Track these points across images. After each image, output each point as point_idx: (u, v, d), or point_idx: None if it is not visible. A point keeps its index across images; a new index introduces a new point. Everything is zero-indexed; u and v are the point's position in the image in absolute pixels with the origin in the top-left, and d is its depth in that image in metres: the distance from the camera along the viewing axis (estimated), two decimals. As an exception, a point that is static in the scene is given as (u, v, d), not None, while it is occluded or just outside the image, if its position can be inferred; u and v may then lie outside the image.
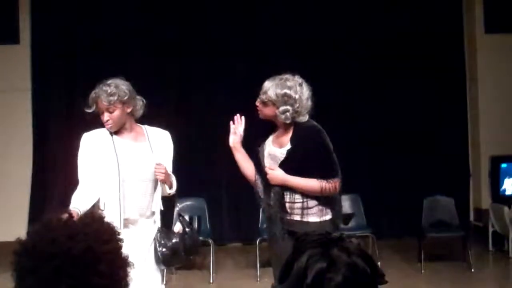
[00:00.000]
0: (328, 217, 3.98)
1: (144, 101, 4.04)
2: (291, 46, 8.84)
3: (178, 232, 3.94)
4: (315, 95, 4.08)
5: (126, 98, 3.90)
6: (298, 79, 3.95)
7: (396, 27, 9.07)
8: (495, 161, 8.74)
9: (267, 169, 3.97)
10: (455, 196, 7.94)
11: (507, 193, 8.55)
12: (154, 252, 3.90)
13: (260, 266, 7.11)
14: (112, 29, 8.83)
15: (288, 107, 3.86)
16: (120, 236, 1.54)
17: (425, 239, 7.42)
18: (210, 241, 7.24)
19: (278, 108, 3.87)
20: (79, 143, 3.97)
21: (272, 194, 3.96)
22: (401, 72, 9.02)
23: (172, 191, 3.99)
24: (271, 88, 3.88)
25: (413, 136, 9.00)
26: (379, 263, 6.66)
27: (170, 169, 3.98)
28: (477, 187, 9.11)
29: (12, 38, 8.86)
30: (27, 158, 8.85)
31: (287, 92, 3.85)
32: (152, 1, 9.00)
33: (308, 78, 4.09)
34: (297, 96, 3.86)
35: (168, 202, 4.08)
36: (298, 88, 3.89)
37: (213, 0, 9.08)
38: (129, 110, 3.94)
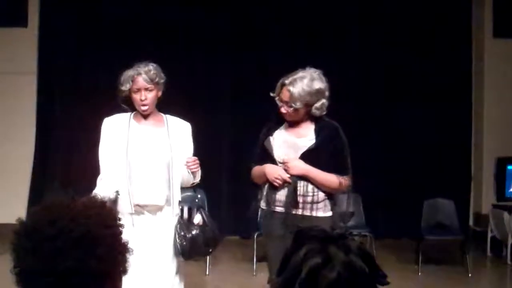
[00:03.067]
0: (330, 213, 4.02)
1: None
2: (291, 43, 8.86)
3: (198, 224, 3.89)
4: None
5: (162, 81, 3.93)
6: (312, 71, 3.97)
7: (403, 28, 9.06)
8: (501, 163, 8.75)
9: (288, 158, 3.94)
10: (456, 199, 7.93)
11: (513, 194, 8.60)
12: (173, 243, 3.85)
13: (256, 261, 7.11)
14: (121, 14, 8.84)
15: (324, 100, 3.94)
16: (121, 222, 1.54)
17: (423, 241, 7.42)
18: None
19: (311, 105, 3.91)
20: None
21: (285, 187, 3.93)
22: (405, 73, 9.01)
23: (197, 180, 4.00)
24: (300, 93, 3.86)
25: (416, 138, 9.00)
26: (376, 263, 6.65)
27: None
28: (478, 191, 9.11)
29: (20, 21, 8.89)
30: (30, 141, 8.87)
31: (317, 88, 3.90)
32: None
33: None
34: (323, 86, 3.94)
35: (191, 193, 4.08)
36: (320, 80, 3.94)
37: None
38: (159, 94, 3.94)
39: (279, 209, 3.97)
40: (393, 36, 9.05)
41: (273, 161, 4.00)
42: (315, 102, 3.92)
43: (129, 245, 1.51)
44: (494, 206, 8.43)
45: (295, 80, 3.90)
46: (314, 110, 3.94)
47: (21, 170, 8.78)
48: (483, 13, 9.03)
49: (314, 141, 3.97)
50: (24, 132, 8.84)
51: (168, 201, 3.86)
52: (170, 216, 3.87)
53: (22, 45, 8.89)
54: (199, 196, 4.06)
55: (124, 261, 1.49)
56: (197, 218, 3.92)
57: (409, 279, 6.99)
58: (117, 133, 3.86)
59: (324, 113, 3.99)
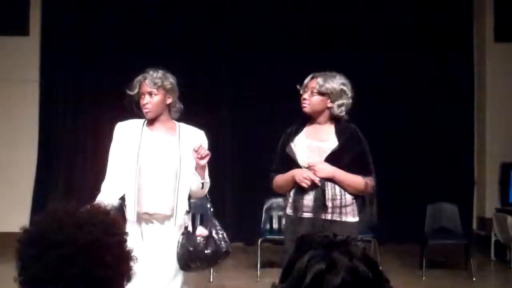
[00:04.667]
0: (357, 218, 4.01)
1: (182, 107, 3.98)
2: (301, 47, 8.88)
3: (201, 235, 3.81)
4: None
5: (169, 87, 3.87)
6: (343, 77, 4.08)
7: (405, 33, 9.07)
8: (506, 168, 8.76)
9: (314, 162, 3.94)
10: (459, 203, 7.91)
11: (517, 199, 8.60)
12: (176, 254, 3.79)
13: (260, 267, 7.10)
14: (122, 22, 8.86)
15: (345, 101, 4.02)
16: (126, 230, 1.54)
17: (427, 245, 7.40)
18: (212, 239, 7.22)
19: (332, 101, 3.99)
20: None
21: (312, 191, 3.91)
22: (408, 77, 9.01)
23: (205, 190, 3.87)
24: (328, 81, 3.99)
25: (419, 142, 8.99)
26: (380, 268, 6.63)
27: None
28: (481, 195, 9.09)
29: (22, 30, 8.92)
30: (33, 149, 8.88)
31: (343, 88, 4.01)
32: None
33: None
34: (350, 93, 4.04)
35: (196, 201, 4.03)
36: (348, 85, 4.06)
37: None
38: (169, 101, 3.89)
39: (307, 215, 3.93)
40: (395, 40, 9.06)
41: (297, 166, 3.99)
42: (337, 100, 3.99)
43: (134, 253, 1.52)
44: (498, 210, 8.42)
45: (325, 74, 4.04)
46: (335, 108, 3.99)
47: (24, 178, 8.78)
48: (484, 18, 9.04)
49: (337, 144, 3.99)
50: (27, 140, 8.85)
51: (172, 211, 3.81)
52: (173, 225, 3.82)
53: (24, 54, 8.91)
54: (208, 205, 4.00)
55: (128, 269, 1.50)
56: (199, 230, 3.83)
57: (413, 283, 6.98)
58: (129, 139, 3.83)
59: (344, 113, 4.05)
